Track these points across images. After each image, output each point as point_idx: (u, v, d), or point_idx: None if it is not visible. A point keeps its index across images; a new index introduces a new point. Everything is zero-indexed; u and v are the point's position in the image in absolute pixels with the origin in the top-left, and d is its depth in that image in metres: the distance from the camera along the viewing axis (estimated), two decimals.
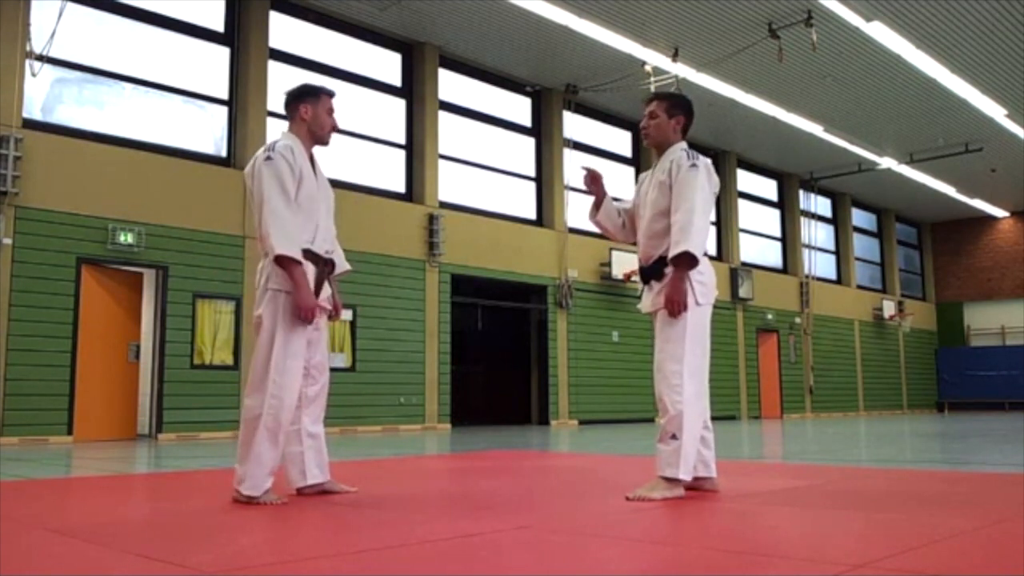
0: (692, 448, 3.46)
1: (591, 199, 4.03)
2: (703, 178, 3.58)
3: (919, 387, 24.02)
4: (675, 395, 3.45)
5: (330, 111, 3.71)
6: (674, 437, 3.43)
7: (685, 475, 3.43)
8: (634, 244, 3.93)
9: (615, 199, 4.05)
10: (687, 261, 3.48)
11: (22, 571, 2.18)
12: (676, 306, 3.51)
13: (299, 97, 3.67)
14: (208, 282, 10.42)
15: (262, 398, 3.44)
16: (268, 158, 3.49)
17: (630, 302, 14.73)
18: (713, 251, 18.09)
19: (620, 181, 15.51)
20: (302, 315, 3.44)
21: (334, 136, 3.85)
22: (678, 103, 3.85)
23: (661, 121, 3.79)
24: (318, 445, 3.75)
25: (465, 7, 11.93)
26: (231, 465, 5.88)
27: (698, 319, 3.57)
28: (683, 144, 3.78)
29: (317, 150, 3.82)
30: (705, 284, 3.61)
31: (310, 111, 3.66)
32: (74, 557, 2.40)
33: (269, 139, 12.00)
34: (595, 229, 4.13)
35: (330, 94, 3.73)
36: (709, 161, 3.75)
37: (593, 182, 3.92)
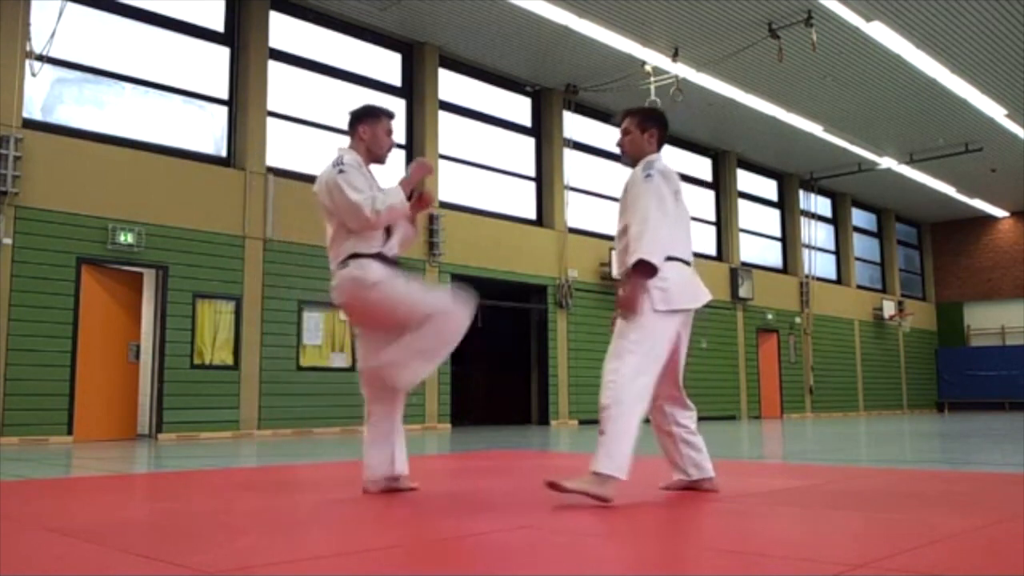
0: (619, 446, 3.32)
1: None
2: (656, 185, 3.56)
3: (919, 387, 24.01)
4: (607, 391, 3.40)
5: (388, 132, 3.88)
6: (602, 433, 3.37)
7: (608, 471, 3.29)
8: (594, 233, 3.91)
9: None
10: (643, 269, 3.47)
11: (22, 571, 2.18)
12: (624, 309, 3.50)
13: (360, 118, 3.85)
14: (208, 282, 10.42)
15: None
16: (341, 171, 3.64)
17: None
18: (713, 251, 18.09)
19: (620, 181, 15.50)
20: (418, 175, 3.88)
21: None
22: (649, 115, 3.83)
23: (635, 136, 3.78)
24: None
25: (465, 7, 11.93)
26: (231, 465, 5.88)
27: (651, 325, 3.49)
28: (652, 156, 3.74)
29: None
30: (666, 291, 3.51)
31: (368, 131, 3.82)
32: (74, 557, 2.40)
33: (269, 139, 12.06)
34: (595, 229, 4.15)
35: (389, 115, 3.91)
36: (667, 166, 3.66)
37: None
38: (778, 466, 5.90)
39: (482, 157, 14.06)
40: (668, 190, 3.58)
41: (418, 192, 3.88)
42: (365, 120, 3.82)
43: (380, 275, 3.61)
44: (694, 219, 18.21)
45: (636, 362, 3.43)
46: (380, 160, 3.91)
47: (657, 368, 3.50)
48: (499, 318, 15.09)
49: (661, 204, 3.53)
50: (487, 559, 2.38)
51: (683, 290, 3.58)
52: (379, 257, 3.67)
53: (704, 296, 3.67)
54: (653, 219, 3.49)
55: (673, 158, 17.03)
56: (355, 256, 3.62)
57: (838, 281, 21.93)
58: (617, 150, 3.91)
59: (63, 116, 9.82)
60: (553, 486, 3.32)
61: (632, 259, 3.46)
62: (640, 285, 3.48)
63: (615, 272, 3.85)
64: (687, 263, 3.64)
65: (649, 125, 3.77)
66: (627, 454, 3.34)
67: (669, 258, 3.54)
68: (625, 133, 3.81)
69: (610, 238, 4.03)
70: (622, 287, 3.58)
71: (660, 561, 2.40)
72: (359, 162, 3.76)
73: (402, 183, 3.74)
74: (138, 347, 10.11)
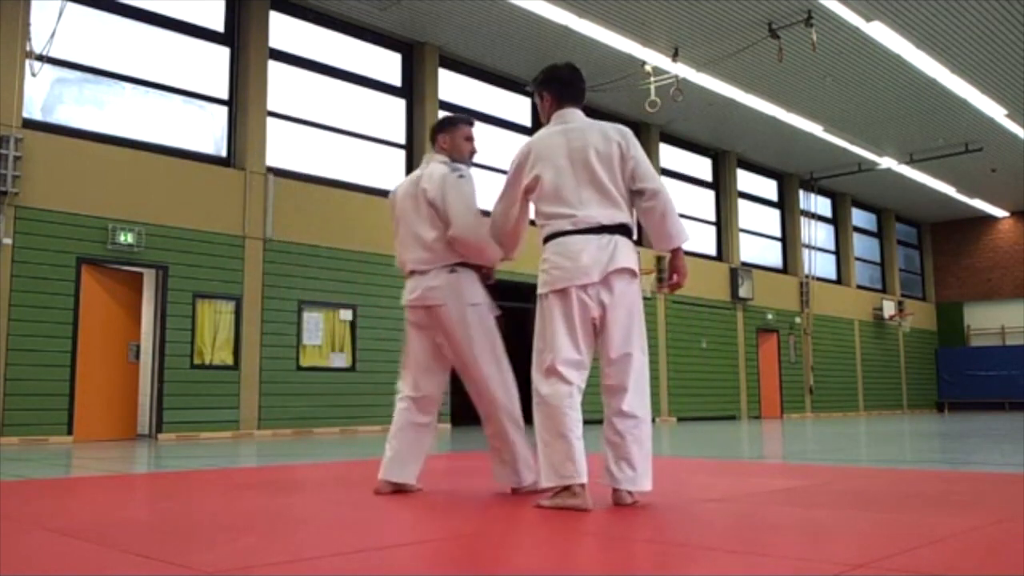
0: (535, 450, 3.25)
1: None
2: (512, 164, 3.56)
3: (919, 387, 24.01)
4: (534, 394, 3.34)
5: (468, 138, 3.99)
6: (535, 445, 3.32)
7: (548, 482, 3.18)
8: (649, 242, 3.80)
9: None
10: None
11: (22, 571, 2.18)
12: None
13: (439, 129, 4.00)
14: (208, 282, 10.42)
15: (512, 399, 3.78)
16: (461, 176, 3.76)
17: None
18: (713, 251, 18.10)
19: None
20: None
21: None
22: (539, 80, 3.69)
23: (539, 106, 3.72)
24: None
25: (465, 7, 11.93)
26: (231, 465, 5.88)
27: (542, 311, 3.33)
28: (558, 112, 3.60)
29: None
30: (547, 272, 3.33)
31: (448, 140, 3.95)
32: (74, 557, 2.40)
33: (269, 139, 12.04)
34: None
35: (468, 122, 4.02)
36: (524, 145, 3.57)
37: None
38: (778, 466, 5.90)
39: (482, 157, 14.02)
40: (513, 168, 3.55)
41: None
42: (443, 130, 3.97)
43: (482, 299, 3.77)
44: (694, 219, 18.23)
45: (537, 359, 3.32)
46: (465, 164, 4.01)
47: (553, 357, 3.26)
48: (499, 318, 15.11)
49: (505, 184, 3.59)
50: (487, 559, 2.37)
51: (564, 264, 3.30)
52: (479, 270, 3.81)
53: (581, 273, 3.24)
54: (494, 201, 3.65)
55: (673, 158, 17.05)
56: (464, 265, 3.73)
57: (838, 281, 21.93)
58: None
59: (63, 116, 9.82)
60: (539, 507, 3.24)
61: None
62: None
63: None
64: (576, 232, 3.31)
65: (540, 89, 3.67)
66: (562, 458, 3.16)
67: (553, 234, 3.38)
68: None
69: None
70: None
71: (660, 561, 2.39)
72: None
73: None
74: (138, 347, 10.11)
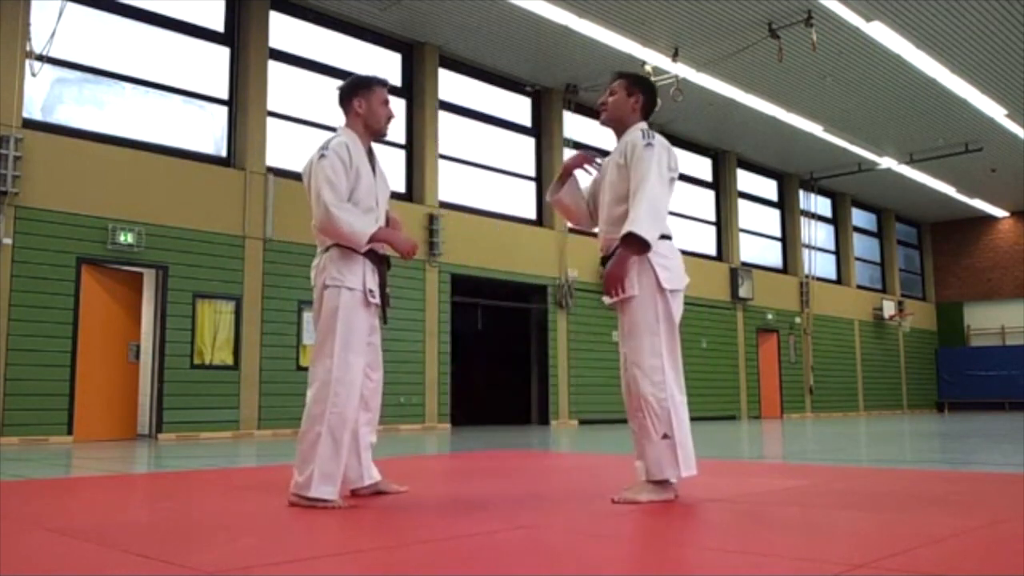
0: (689, 443, 3.35)
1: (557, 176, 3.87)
2: (659, 156, 3.38)
3: (919, 387, 24.01)
4: (660, 391, 3.31)
5: (384, 102, 3.61)
6: (666, 436, 3.29)
7: (688, 471, 3.33)
8: (595, 234, 3.73)
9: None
10: (636, 243, 3.24)
11: (22, 571, 2.18)
12: (613, 282, 3.27)
13: (352, 91, 3.59)
14: (208, 282, 10.42)
15: (325, 398, 3.33)
16: (322, 155, 3.41)
17: None
18: (713, 251, 18.10)
19: None
20: (408, 250, 3.51)
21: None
22: (638, 81, 3.64)
23: (619, 98, 3.60)
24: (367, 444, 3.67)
25: (465, 7, 11.93)
26: (231, 465, 5.88)
27: (668, 306, 3.39)
28: (642, 124, 3.57)
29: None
30: (670, 269, 3.40)
31: (364, 104, 3.56)
32: (74, 557, 2.40)
33: (269, 139, 12.06)
34: (596, 228, 3.93)
35: (383, 84, 3.64)
36: (665, 140, 3.51)
37: (580, 164, 3.77)
38: (778, 466, 5.90)
39: (482, 157, 14.06)
40: (667, 166, 3.43)
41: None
42: (358, 92, 3.55)
43: (348, 283, 3.39)
44: (694, 219, 18.21)
45: (673, 353, 3.40)
46: (381, 134, 3.65)
47: (678, 350, 3.45)
48: (499, 318, 15.10)
49: (660, 177, 3.35)
50: (487, 559, 2.38)
51: (682, 269, 3.49)
52: (370, 255, 3.45)
53: (687, 278, 3.56)
54: (654, 192, 3.29)
55: None
56: (338, 246, 3.41)
57: (838, 281, 21.94)
58: (600, 111, 3.71)
59: (63, 116, 9.82)
60: (625, 503, 3.29)
61: (626, 229, 3.24)
62: (628, 259, 3.28)
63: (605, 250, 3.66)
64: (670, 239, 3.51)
65: (636, 90, 3.60)
66: (693, 452, 3.37)
67: (663, 236, 3.40)
68: (611, 93, 3.64)
69: None
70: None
71: (660, 561, 2.39)
72: (349, 145, 3.48)
73: (384, 232, 3.48)
74: (138, 347, 10.11)
